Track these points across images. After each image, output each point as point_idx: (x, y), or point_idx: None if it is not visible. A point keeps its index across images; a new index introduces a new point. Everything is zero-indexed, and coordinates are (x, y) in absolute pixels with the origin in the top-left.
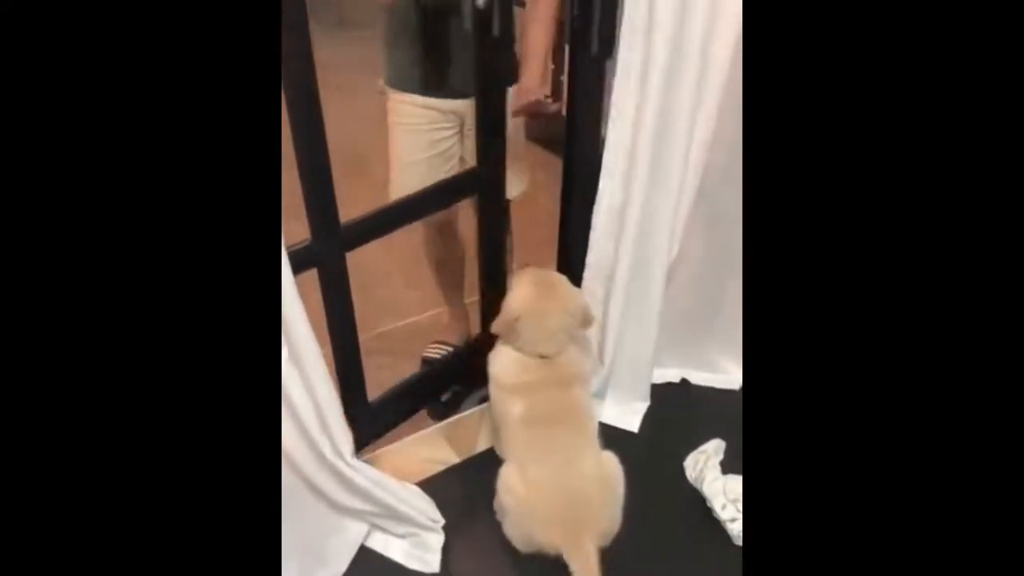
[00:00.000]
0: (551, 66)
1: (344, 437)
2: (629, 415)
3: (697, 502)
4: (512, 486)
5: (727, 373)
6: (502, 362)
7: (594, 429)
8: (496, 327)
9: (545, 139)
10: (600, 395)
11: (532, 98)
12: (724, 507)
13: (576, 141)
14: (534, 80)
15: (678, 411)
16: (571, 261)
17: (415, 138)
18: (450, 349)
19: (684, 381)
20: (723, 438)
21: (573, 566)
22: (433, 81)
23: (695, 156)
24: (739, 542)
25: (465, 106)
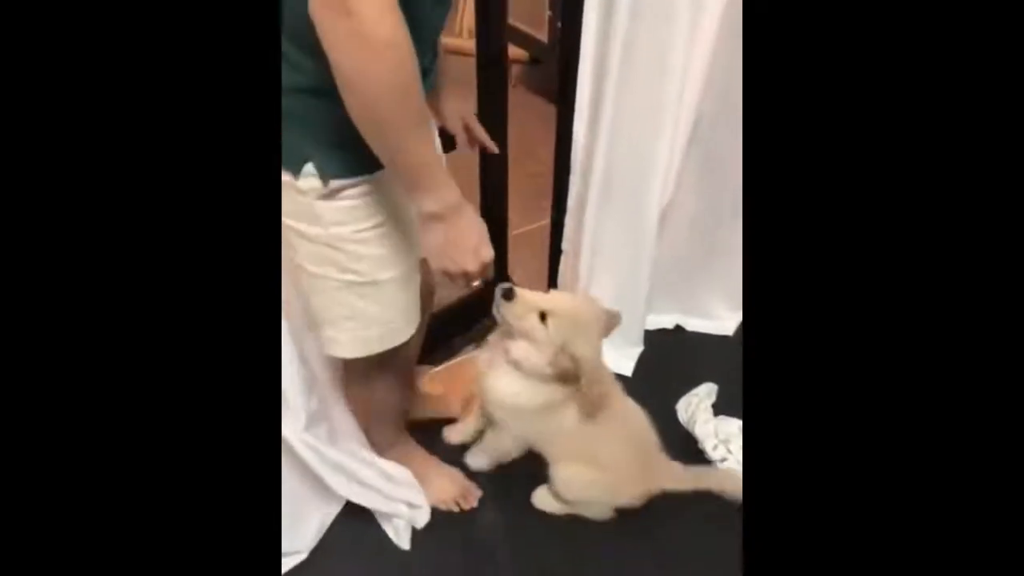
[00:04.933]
0: (548, 13)
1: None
2: (623, 359)
3: (689, 443)
4: (593, 479)
5: (720, 319)
6: (516, 388)
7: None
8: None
9: (544, 90)
10: None
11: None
12: (715, 447)
13: (569, 87)
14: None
15: (671, 356)
16: (562, 210)
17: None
18: None
19: (678, 327)
20: (715, 382)
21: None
22: None
23: (688, 99)
24: None
25: None
